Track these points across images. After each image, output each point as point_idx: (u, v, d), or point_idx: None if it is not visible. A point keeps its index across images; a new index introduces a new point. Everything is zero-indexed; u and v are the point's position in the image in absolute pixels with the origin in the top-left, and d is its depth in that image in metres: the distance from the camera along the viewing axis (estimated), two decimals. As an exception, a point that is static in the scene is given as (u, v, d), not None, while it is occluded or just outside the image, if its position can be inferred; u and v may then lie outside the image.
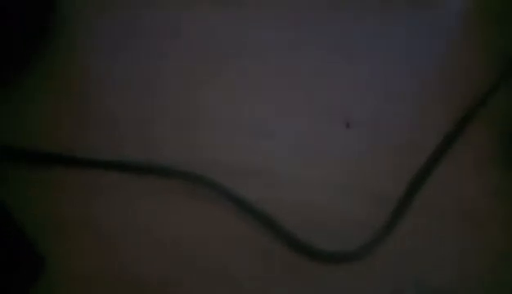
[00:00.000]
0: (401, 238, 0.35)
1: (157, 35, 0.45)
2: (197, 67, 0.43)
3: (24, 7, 0.40)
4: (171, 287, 0.33)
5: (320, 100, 0.41)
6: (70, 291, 0.33)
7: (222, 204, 0.36)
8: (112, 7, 0.47)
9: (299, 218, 0.35)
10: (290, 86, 0.42)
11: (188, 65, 0.43)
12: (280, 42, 0.45)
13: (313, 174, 0.37)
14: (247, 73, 0.43)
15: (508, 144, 0.39)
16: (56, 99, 0.41)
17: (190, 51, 0.44)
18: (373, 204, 0.36)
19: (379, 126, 0.40)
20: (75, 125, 0.40)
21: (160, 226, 0.35)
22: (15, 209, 0.34)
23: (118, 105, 0.41)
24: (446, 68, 0.43)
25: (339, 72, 0.43)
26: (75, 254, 0.34)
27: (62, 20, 0.46)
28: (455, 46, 0.44)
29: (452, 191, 0.37)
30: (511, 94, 0.41)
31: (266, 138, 0.39)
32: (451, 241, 0.35)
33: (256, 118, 0.40)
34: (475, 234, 0.35)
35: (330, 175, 0.37)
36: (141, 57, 0.44)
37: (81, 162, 0.37)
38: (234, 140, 0.39)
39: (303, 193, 0.36)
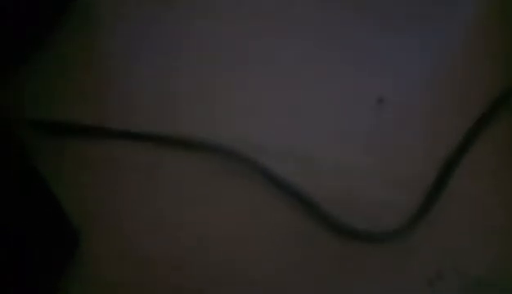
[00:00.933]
0: (440, 221, 0.35)
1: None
2: (225, 46, 0.42)
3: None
4: (213, 266, 0.33)
5: (353, 85, 0.41)
6: (97, 268, 0.33)
7: (263, 185, 0.36)
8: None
9: (337, 203, 0.35)
10: (325, 73, 0.41)
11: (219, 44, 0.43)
12: (312, 28, 0.44)
13: (350, 159, 0.37)
14: (281, 60, 0.42)
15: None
16: (82, 72, 0.41)
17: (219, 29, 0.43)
18: (410, 187, 0.36)
19: (413, 109, 0.39)
20: (104, 99, 0.39)
21: (193, 202, 0.35)
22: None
23: (147, 80, 0.40)
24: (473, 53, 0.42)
25: (370, 50, 0.42)
26: (104, 231, 0.34)
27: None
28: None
29: (487, 175, 0.36)
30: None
31: (303, 123, 0.39)
32: (488, 227, 0.35)
33: (292, 104, 0.40)
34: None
35: (367, 160, 0.37)
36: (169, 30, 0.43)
37: (114, 134, 0.37)
38: (271, 125, 0.39)
39: (341, 179, 0.36)
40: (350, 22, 0.44)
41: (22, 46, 0.40)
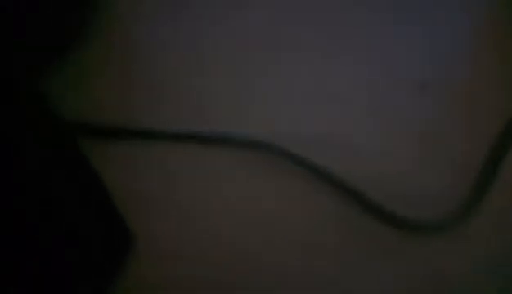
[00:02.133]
0: (492, 210, 0.34)
1: None
2: (256, 33, 0.43)
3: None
4: (250, 262, 0.33)
5: (392, 67, 0.41)
6: (153, 265, 0.34)
7: (303, 177, 0.36)
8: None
9: (381, 191, 0.35)
10: (362, 58, 0.42)
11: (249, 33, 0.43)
12: (346, 13, 0.45)
13: (391, 144, 0.37)
14: (316, 46, 0.43)
15: None
16: (117, 72, 0.42)
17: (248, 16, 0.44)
18: (455, 174, 0.36)
19: (456, 89, 0.39)
20: (141, 98, 0.40)
21: (239, 199, 0.36)
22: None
23: (180, 77, 0.41)
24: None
25: (409, 35, 0.43)
26: (155, 229, 0.35)
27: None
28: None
29: None
30: None
31: (342, 109, 0.39)
32: None
33: (331, 90, 0.40)
34: None
35: (409, 145, 0.37)
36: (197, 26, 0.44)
37: (155, 136, 0.38)
38: (310, 112, 0.39)
39: (383, 165, 0.36)
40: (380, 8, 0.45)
41: (51, 47, 0.41)
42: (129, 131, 0.38)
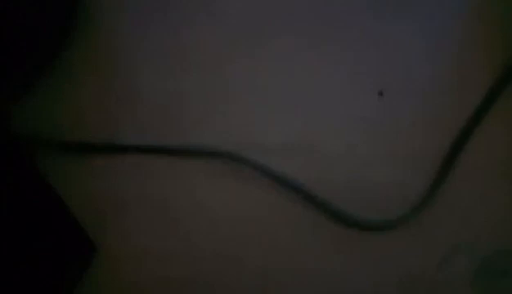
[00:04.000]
0: (445, 203, 0.35)
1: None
2: (228, 41, 0.43)
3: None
4: (227, 262, 0.35)
5: (351, 70, 0.41)
6: (124, 267, 0.35)
7: (266, 183, 0.37)
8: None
9: (343, 190, 0.36)
10: (323, 59, 0.42)
11: (219, 39, 0.44)
12: (310, 14, 0.45)
13: (353, 145, 0.38)
14: (280, 49, 0.43)
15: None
16: (96, 80, 0.42)
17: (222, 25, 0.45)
18: (415, 171, 0.37)
19: (413, 91, 0.40)
20: (117, 111, 0.41)
21: (205, 206, 0.37)
22: (68, 197, 0.36)
23: (149, 86, 0.42)
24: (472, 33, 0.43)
25: (368, 41, 0.43)
26: (131, 233, 0.36)
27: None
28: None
29: (494, 151, 0.37)
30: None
31: (302, 113, 0.40)
32: (496, 204, 0.35)
33: (289, 93, 0.41)
34: None
35: (371, 145, 0.38)
36: (172, 32, 0.44)
37: (125, 149, 0.39)
38: (270, 116, 0.40)
39: (345, 166, 0.37)
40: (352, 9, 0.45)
41: (33, 59, 0.41)
42: (104, 145, 0.39)
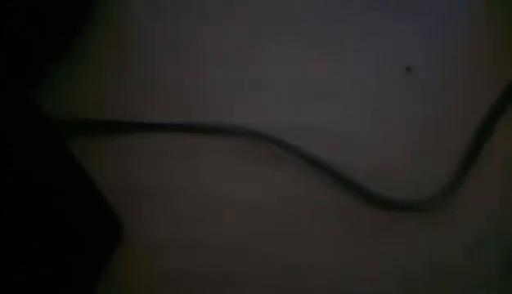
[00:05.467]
0: (475, 189, 0.35)
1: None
2: (251, 28, 0.43)
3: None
4: (250, 249, 0.34)
5: (379, 54, 0.41)
6: (147, 256, 0.34)
7: (292, 163, 0.37)
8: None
9: (370, 176, 0.36)
10: (349, 45, 0.42)
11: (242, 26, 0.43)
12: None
13: (379, 131, 0.38)
14: (304, 35, 0.43)
15: None
16: (114, 67, 0.41)
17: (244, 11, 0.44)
18: (443, 157, 0.36)
19: (441, 76, 0.40)
20: (137, 92, 0.40)
21: (231, 188, 0.36)
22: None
23: (176, 70, 0.41)
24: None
25: (394, 25, 0.43)
26: (150, 219, 0.35)
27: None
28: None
29: None
30: None
31: (330, 98, 0.39)
32: None
33: (318, 78, 0.40)
34: None
35: (396, 132, 0.38)
36: (194, 19, 0.44)
37: (151, 127, 0.38)
38: (298, 103, 0.39)
39: (372, 152, 0.37)
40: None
41: (51, 46, 0.41)
42: (125, 123, 0.38)
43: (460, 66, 0.40)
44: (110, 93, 0.40)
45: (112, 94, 0.40)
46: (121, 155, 0.37)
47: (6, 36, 0.34)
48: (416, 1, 0.44)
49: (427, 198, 0.35)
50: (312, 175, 0.36)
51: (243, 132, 0.37)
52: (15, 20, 0.35)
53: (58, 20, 0.40)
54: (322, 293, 0.32)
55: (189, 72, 0.41)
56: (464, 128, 0.37)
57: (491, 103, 0.38)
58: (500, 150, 0.36)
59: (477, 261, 0.33)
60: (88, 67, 0.41)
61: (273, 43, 0.42)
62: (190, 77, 0.41)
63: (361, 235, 0.34)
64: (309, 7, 0.44)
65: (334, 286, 0.33)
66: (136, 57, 0.42)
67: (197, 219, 0.35)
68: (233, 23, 0.43)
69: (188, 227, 0.35)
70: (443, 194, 0.35)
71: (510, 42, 0.41)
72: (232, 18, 0.44)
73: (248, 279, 0.33)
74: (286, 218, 0.35)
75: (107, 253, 0.34)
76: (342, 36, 0.42)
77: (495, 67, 0.40)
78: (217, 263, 0.34)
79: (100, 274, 0.33)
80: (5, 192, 0.26)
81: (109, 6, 0.44)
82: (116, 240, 0.34)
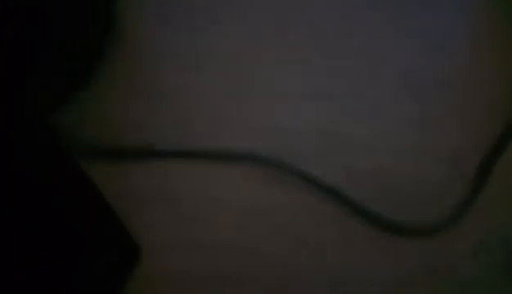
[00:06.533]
0: (484, 204, 0.36)
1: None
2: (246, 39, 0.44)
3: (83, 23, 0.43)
4: (250, 253, 0.35)
5: (374, 60, 0.42)
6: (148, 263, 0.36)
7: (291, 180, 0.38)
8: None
9: (371, 186, 0.36)
10: (344, 50, 0.43)
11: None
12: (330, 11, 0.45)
13: (378, 137, 0.38)
14: (297, 41, 0.43)
15: None
16: (123, 93, 0.43)
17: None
18: (446, 166, 0.37)
19: (442, 82, 0.40)
20: (143, 118, 0.42)
21: (229, 200, 0.37)
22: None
23: (181, 98, 0.42)
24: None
25: (391, 30, 0.43)
26: (156, 228, 0.37)
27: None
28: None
29: None
30: None
31: (327, 101, 0.40)
32: None
33: (313, 84, 0.41)
34: None
35: (397, 138, 0.38)
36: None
37: (154, 154, 0.39)
38: (297, 109, 0.40)
39: (372, 159, 0.37)
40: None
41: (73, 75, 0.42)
42: (135, 150, 0.40)
43: (459, 67, 0.41)
44: (120, 116, 0.41)
45: (122, 117, 0.41)
46: (127, 177, 0.39)
47: (26, 64, 0.36)
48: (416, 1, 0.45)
49: (430, 224, 0.35)
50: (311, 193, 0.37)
51: (244, 156, 0.38)
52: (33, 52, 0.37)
53: (75, 50, 0.42)
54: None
55: (190, 97, 0.42)
56: (466, 136, 0.38)
57: (490, 104, 0.38)
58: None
59: (480, 264, 0.34)
60: (103, 95, 0.43)
61: (273, 56, 0.43)
62: (192, 100, 0.42)
63: (358, 239, 0.35)
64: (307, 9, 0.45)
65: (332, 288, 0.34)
66: (147, 79, 0.43)
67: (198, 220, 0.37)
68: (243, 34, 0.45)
69: (185, 235, 0.36)
70: (448, 222, 0.35)
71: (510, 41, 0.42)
72: (242, 29, 0.45)
73: (246, 279, 0.34)
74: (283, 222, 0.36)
75: (126, 274, 0.35)
76: (340, 36, 0.43)
77: (495, 67, 0.40)
78: (218, 264, 0.35)
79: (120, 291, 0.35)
80: (25, 221, 0.27)
81: (124, 33, 0.46)
82: (134, 262, 0.36)
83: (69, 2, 0.39)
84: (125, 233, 0.34)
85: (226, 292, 0.34)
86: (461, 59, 0.42)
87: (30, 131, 0.27)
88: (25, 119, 0.27)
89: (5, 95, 0.26)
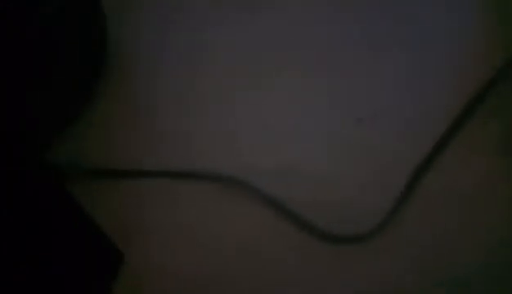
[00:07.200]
0: (406, 222, 0.40)
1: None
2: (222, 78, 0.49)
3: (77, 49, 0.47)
4: (224, 279, 0.40)
5: (333, 98, 0.47)
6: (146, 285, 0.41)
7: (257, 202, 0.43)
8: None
9: (321, 210, 0.42)
10: (309, 86, 0.48)
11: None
12: (299, 43, 0.50)
13: (331, 169, 0.44)
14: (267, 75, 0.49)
15: (504, 133, 0.43)
16: (120, 124, 0.48)
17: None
18: (383, 192, 0.42)
19: (386, 118, 0.45)
20: (136, 142, 0.47)
21: (206, 225, 0.43)
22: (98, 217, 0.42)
23: (165, 120, 0.48)
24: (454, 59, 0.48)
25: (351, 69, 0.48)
26: (152, 253, 0.42)
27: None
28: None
29: (453, 178, 0.42)
30: (508, 89, 0.45)
31: (290, 138, 0.45)
32: (452, 226, 0.40)
33: (278, 119, 0.46)
34: (475, 220, 0.40)
35: (346, 169, 0.43)
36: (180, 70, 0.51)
37: (145, 174, 0.45)
38: (262, 142, 0.46)
39: (323, 188, 0.43)
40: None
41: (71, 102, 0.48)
42: (127, 171, 0.46)
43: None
44: (118, 141, 0.47)
45: (120, 142, 0.47)
46: (120, 197, 0.45)
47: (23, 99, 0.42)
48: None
49: (367, 231, 0.40)
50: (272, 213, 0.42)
51: (221, 178, 0.44)
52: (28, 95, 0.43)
53: (72, 80, 0.47)
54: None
55: (184, 120, 0.48)
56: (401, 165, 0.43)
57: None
58: (438, 182, 0.42)
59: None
60: (101, 120, 0.49)
61: (252, 96, 0.49)
62: (171, 126, 0.48)
63: (313, 267, 0.40)
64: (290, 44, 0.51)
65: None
66: (142, 108, 0.49)
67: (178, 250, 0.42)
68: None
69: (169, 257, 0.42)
70: (380, 226, 0.40)
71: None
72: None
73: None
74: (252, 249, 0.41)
75: (110, 279, 0.41)
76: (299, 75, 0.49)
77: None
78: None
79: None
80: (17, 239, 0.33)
81: (119, 64, 0.52)
82: (118, 267, 0.41)
83: (62, 44, 0.45)
84: (109, 242, 0.40)
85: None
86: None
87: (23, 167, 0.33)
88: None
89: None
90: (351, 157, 0.44)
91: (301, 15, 0.52)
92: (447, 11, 0.51)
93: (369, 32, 0.51)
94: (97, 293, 0.40)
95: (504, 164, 0.42)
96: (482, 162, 0.42)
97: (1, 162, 0.33)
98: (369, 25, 0.51)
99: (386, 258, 0.39)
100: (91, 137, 0.48)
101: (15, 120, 0.36)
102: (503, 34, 0.49)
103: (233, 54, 0.51)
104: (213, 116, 0.48)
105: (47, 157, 0.42)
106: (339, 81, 0.48)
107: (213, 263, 0.41)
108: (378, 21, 0.51)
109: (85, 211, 0.38)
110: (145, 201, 0.45)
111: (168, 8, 0.54)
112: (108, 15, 0.51)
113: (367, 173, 0.43)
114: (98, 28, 0.49)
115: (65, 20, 0.43)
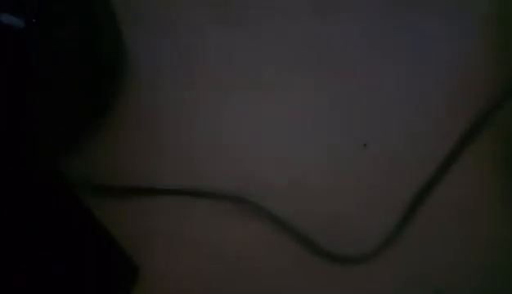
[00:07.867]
0: (408, 241, 0.41)
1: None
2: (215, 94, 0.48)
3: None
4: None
5: (340, 121, 0.46)
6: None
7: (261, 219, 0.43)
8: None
9: (326, 227, 0.42)
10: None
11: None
12: (299, 64, 0.50)
13: (336, 188, 0.44)
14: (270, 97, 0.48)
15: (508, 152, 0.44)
16: (128, 140, 0.47)
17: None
18: (387, 212, 0.42)
19: (391, 142, 0.45)
20: (142, 159, 0.46)
21: (211, 241, 0.42)
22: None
23: (175, 140, 0.47)
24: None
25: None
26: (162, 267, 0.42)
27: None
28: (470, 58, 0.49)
29: (456, 198, 0.42)
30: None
31: (294, 158, 0.45)
32: (453, 243, 0.41)
33: (283, 140, 0.46)
34: (476, 237, 0.41)
35: (351, 188, 0.44)
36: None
37: (151, 192, 0.44)
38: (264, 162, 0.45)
39: (329, 205, 0.43)
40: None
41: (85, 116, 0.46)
42: (134, 189, 0.44)
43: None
44: (127, 159, 0.46)
45: (129, 160, 0.46)
46: (130, 213, 0.44)
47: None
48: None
49: (368, 252, 0.41)
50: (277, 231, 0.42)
51: (225, 195, 0.43)
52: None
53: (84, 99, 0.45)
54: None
55: (191, 135, 0.47)
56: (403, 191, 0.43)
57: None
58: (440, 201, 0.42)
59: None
60: (111, 136, 0.47)
61: (252, 110, 0.48)
62: (191, 140, 0.47)
63: (314, 283, 0.40)
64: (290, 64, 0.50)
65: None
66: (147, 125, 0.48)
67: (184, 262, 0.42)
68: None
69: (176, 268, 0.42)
70: (382, 246, 0.41)
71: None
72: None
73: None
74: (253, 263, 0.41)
75: (126, 289, 0.40)
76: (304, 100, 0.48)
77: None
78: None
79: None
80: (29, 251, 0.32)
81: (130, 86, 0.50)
82: (133, 281, 0.40)
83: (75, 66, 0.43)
84: (124, 256, 0.39)
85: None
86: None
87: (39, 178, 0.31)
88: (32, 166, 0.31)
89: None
90: (351, 171, 0.44)
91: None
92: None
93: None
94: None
95: (505, 182, 0.43)
96: (484, 180, 0.43)
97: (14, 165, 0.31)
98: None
99: (386, 275, 0.40)
100: (99, 153, 0.47)
101: (21, 130, 0.34)
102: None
103: (233, 66, 0.50)
104: (214, 130, 0.47)
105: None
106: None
107: (215, 279, 0.41)
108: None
109: (103, 226, 0.36)
110: (152, 216, 0.44)
111: (168, 21, 0.52)
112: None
113: (370, 188, 0.43)
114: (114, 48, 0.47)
115: (78, 43, 0.42)
